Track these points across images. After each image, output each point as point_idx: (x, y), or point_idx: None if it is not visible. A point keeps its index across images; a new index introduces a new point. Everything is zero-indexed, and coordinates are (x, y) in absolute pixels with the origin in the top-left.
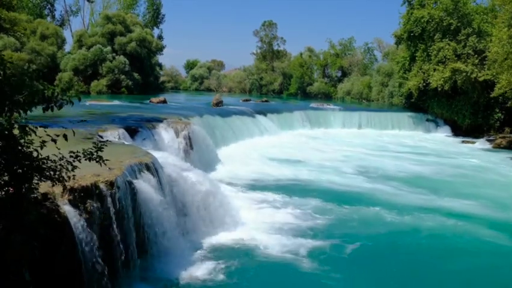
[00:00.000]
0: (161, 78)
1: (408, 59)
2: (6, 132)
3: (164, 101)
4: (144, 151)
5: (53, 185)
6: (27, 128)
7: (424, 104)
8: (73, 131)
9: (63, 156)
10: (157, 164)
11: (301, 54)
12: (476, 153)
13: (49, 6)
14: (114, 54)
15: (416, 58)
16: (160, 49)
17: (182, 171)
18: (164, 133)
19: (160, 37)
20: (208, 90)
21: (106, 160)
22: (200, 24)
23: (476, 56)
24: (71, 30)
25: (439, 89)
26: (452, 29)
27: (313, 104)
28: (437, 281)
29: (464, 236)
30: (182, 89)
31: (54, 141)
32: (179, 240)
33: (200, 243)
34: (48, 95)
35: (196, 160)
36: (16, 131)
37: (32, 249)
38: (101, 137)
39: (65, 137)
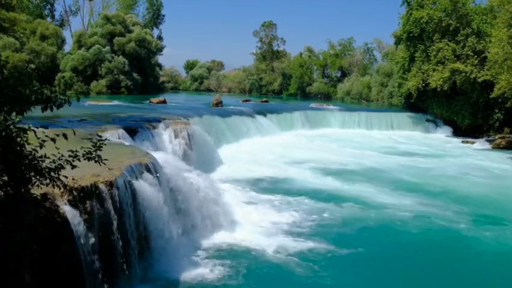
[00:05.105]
0: (161, 79)
1: (407, 59)
2: (4, 133)
3: (164, 102)
4: (144, 151)
5: (52, 185)
6: (26, 128)
7: (424, 104)
8: (73, 131)
9: (62, 156)
10: (156, 164)
11: (301, 54)
12: (475, 153)
13: (49, 6)
14: (113, 54)
15: (416, 58)
16: (159, 49)
17: (182, 172)
18: (164, 133)
19: (159, 37)
20: (208, 90)
21: (105, 160)
22: (200, 24)
23: (475, 56)
24: (70, 31)
25: (438, 89)
26: (451, 29)
27: (313, 104)
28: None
29: (461, 233)
30: (182, 89)
31: (54, 140)
32: (178, 240)
33: (199, 243)
34: (47, 95)
35: (196, 160)
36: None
37: (30, 252)
38: (100, 136)
39: (64, 136)
